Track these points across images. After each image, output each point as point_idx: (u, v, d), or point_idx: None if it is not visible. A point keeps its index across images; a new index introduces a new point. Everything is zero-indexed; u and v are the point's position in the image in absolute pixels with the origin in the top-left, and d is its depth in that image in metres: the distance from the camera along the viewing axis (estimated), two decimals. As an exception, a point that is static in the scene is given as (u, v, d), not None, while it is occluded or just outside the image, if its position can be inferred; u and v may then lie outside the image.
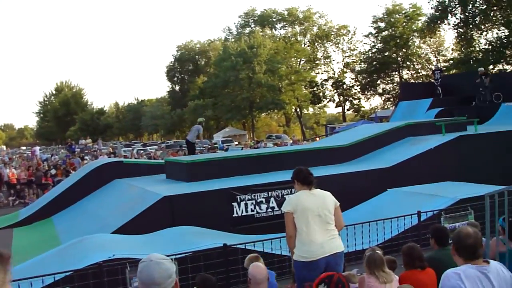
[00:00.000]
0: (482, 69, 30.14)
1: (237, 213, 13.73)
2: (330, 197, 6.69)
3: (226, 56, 69.03)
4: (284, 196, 14.19)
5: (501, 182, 12.60)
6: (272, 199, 14.18)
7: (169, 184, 15.99)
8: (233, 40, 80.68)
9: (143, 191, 14.75)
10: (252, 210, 13.89)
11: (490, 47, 48.49)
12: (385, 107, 72.09)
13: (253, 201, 13.90)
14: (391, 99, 72.13)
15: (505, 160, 18.35)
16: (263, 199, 14.05)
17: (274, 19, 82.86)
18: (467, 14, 48.87)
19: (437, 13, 50.31)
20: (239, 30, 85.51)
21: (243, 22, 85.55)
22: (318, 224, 6.41)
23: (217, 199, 13.56)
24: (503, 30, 48.18)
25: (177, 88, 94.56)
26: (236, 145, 50.62)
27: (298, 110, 79.69)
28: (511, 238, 7.78)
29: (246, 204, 13.85)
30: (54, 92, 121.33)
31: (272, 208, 14.10)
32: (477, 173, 16.82)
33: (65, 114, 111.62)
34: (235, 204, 13.71)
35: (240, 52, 67.83)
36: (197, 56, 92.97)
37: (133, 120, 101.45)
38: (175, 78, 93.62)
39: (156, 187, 14.88)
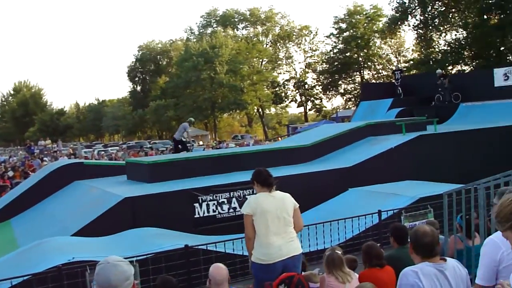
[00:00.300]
0: (440, 71, 30.68)
1: (198, 214, 13.70)
2: (289, 199, 6.65)
3: (188, 56, 68.76)
4: (246, 197, 14.20)
5: (460, 180, 12.79)
6: (234, 199, 14.19)
7: (130, 185, 15.86)
8: (195, 40, 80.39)
9: (104, 192, 14.60)
10: (214, 211, 13.87)
11: (449, 48, 49.24)
12: (347, 107, 72.66)
13: (215, 202, 13.89)
14: (353, 99, 72.74)
15: (463, 159, 18.67)
16: (225, 200, 14.05)
17: (236, 19, 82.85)
18: (426, 15, 49.55)
19: (398, 15, 50.90)
20: (201, 30, 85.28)
21: (205, 22, 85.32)
22: (277, 227, 6.38)
23: (178, 200, 13.51)
24: (461, 31, 49.02)
25: (138, 88, 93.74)
26: (198, 145, 50.49)
27: (260, 110, 79.82)
28: (468, 235, 7.93)
29: (208, 205, 13.83)
30: (12, 92, 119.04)
31: (234, 208, 14.10)
32: (436, 172, 17.07)
33: (23, 115, 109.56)
34: (196, 205, 13.68)
35: (202, 52, 67.63)
36: (158, 56, 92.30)
37: (94, 121, 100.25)
38: (137, 78, 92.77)
39: (117, 189, 14.75)
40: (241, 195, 14.24)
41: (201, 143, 54.49)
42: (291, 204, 6.58)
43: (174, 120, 76.54)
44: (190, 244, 10.22)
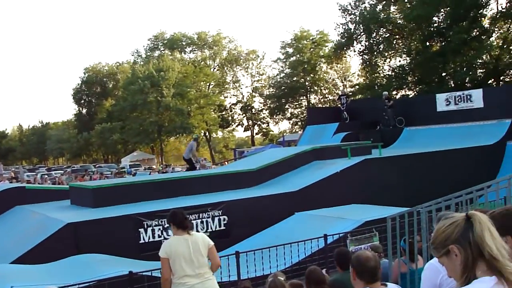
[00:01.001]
0: (386, 93, 31.21)
1: (143, 239, 13.51)
2: (203, 240, 7.08)
3: (134, 79, 68.37)
4: (192, 221, 14.09)
5: (405, 204, 12.98)
6: (189, 227, 14.02)
7: (74, 210, 15.53)
8: (142, 63, 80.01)
9: (46, 218, 14.23)
10: (159, 236, 13.69)
11: (393, 73, 50.25)
12: (293, 131, 73.18)
13: (160, 227, 13.73)
14: (299, 123, 73.27)
15: (407, 183, 18.96)
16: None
17: (183, 43, 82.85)
18: (371, 41, 50.49)
19: (343, 40, 51.74)
20: (148, 53, 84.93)
21: (152, 45, 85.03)
22: (191, 268, 6.83)
23: (123, 225, 13.29)
24: (405, 57, 50.11)
25: (84, 111, 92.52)
26: (144, 169, 50.04)
27: (207, 134, 79.73)
28: (412, 259, 8.03)
29: (153, 230, 13.65)
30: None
31: (189, 231, 13.93)
32: (382, 196, 17.25)
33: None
34: (141, 230, 13.49)
35: (148, 76, 67.35)
36: (105, 79, 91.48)
37: (38, 144, 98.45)
38: (82, 101, 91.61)
39: (60, 214, 14.41)
40: (187, 220, 14.11)
41: (145, 167, 53.88)
42: (205, 245, 7.03)
43: (119, 144, 75.80)
44: (134, 271, 10.05)
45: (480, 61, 43.29)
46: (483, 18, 44.66)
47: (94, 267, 10.80)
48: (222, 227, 14.91)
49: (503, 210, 3.17)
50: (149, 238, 13.55)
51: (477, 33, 42.67)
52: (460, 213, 2.45)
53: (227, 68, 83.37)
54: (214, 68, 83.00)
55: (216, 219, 14.83)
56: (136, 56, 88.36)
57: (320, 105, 71.38)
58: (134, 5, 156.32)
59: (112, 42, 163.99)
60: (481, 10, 43.79)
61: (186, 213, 13.25)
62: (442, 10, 43.59)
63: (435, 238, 2.45)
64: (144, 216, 13.63)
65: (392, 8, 50.86)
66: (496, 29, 45.59)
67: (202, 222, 14.53)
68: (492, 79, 43.77)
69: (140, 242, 13.42)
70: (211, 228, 14.70)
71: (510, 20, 44.29)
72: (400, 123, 28.42)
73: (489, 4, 44.80)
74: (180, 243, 6.87)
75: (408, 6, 45.76)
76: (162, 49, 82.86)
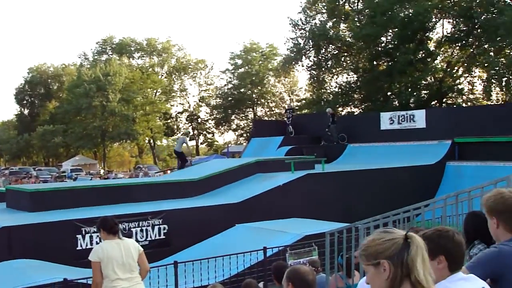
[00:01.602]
0: (330, 109, 31.60)
1: (81, 246, 13.25)
2: (134, 245, 7.21)
3: (80, 82, 67.23)
4: (131, 229, 13.95)
5: (345, 219, 13.11)
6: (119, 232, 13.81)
7: (9, 214, 15.16)
8: (88, 66, 78.79)
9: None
10: (97, 243, 13.44)
11: (340, 90, 50.90)
12: (238, 142, 73.23)
13: (99, 234, 13.48)
14: (244, 135, 73.38)
15: (348, 198, 19.21)
16: (110, 232, 13.66)
17: (132, 48, 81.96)
18: (320, 57, 50.94)
19: (292, 55, 52.05)
20: (96, 57, 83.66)
21: (100, 48, 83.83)
22: (123, 272, 6.92)
23: (60, 231, 13.02)
24: (352, 75, 50.84)
25: (26, 111, 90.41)
26: (86, 174, 49.27)
27: (151, 141, 79.06)
28: (349, 274, 8.12)
29: (91, 237, 13.41)
30: None
31: (119, 236, 13.73)
32: (323, 211, 17.43)
33: None
34: (79, 236, 13.24)
35: (95, 79, 66.38)
36: (49, 80, 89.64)
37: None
38: (25, 102, 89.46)
39: (-6, 217, 14.04)
40: (127, 227, 13.94)
41: (86, 172, 52.99)
42: (136, 250, 7.15)
43: (61, 147, 74.36)
44: (69, 278, 9.84)
45: (425, 82, 44.34)
46: (429, 41, 45.90)
47: (27, 273, 10.54)
48: (162, 236, 14.78)
49: (436, 231, 3.23)
50: (87, 245, 13.29)
51: (423, 55, 43.69)
52: (400, 231, 2.48)
53: (175, 76, 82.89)
54: (162, 76, 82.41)
55: (156, 227, 14.69)
56: (83, 58, 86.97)
57: (266, 118, 71.65)
58: (83, 6, 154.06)
59: (58, 43, 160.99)
60: (428, 33, 44.98)
61: (126, 221, 13.15)
62: (390, 30, 44.46)
63: (369, 247, 2.47)
64: (83, 222, 13.38)
65: (342, 26, 51.57)
66: (441, 52, 46.84)
67: (142, 230, 14.37)
68: (435, 101, 44.82)
69: (78, 248, 13.16)
70: (151, 237, 14.55)
71: (454, 45, 45.55)
72: (342, 139, 28.82)
73: (435, 28, 46.15)
74: (112, 247, 6.94)
75: (358, 24, 46.48)
76: (110, 53, 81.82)
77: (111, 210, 14.61)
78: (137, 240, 13.99)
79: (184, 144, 24.39)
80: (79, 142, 70.30)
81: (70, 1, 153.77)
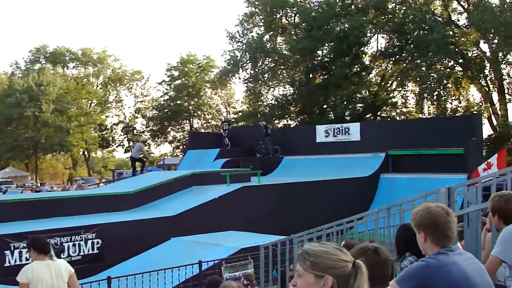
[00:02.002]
0: (264, 122, 31.86)
1: (9, 262, 12.82)
2: (65, 266, 7.04)
3: (11, 92, 65.39)
4: (63, 244, 13.60)
5: (281, 232, 13.12)
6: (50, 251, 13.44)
7: None
8: (20, 75, 76.78)
9: None
10: (27, 259, 13.04)
11: (276, 102, 51.26)
12: (175, 154, 72.70)
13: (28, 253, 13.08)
14: (181, 147, 72.89)
15: (284, 211, 19.28)
16: (40, 247, 13.27)
17: (67, 58, 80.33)
18: (257, 70, 51.24)
19: (229, 67, 52.14)
20: (28, 66, 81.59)
21: (33, 57, 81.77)
22: None
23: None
24: (289, 88, 51.28)
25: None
26: (17, 187, 47.95)
27: (86, 153, 77.65)
28: (283, 287, 8.12)
29: (20, 252, 12.99)
30: None
31: (50, 256, 13.35)
32: (259, 224, 17.44)
33: None
34: (8, 252, 12.80)
35: (27, 89, 64.71)
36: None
37: None
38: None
39: None
40: (58, 242, 13.58)
41: (15, 185, 51.57)
42: (66, 271, 6.97)
43: (-10, 158, 72.05)
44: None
45: (360, 95, 45.17)
46: (364, 55, 46.84)
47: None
48: (96, 251, 14.48)
49: (358, 250, 3.31)
50: (15, 261, 12.87)
51: (358, 69, 44.57)
52: (349, 255, 2.47)
53: (110, 87, 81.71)
54: (97, 86, 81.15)
55: (90, 242, 14.38)
56: (14, 67, 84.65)
57: (202, 130, 71.45)
58: (15, 14, 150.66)
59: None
60: (363, 48, 45.94)
61: (58, 235, 12.81)
62: (326, 44, 45.13)
63: (320, 257, 2.43)
64: (11, 237, 12.95)
65: (279, 39, 52.07)
66: (375, 66, 47.89)
67: (74, 245, 14.03)
68: (370, 114, 45.71)
69: (6, 265, 12.73)
70: (84, 252, 14.23)
71: (387, 59, 46.66)
72: (276, 152, 29.01)
73: (370, 43, 47.22)
74: (42, 269, 6.73)
75: (295, 38, 47.00)
76: (44, 62, 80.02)
77: (42, 224, 14.25)
78: (69, 255, 13.69)
79: (142, 150, 25.86)
80: (9, 154, 68.26)
81: (1, 7, 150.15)
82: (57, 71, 74.83)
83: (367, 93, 46.04)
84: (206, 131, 68.84)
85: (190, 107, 72.81)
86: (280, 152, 28.86)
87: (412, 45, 42.24)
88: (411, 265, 3.87)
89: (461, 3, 43.63)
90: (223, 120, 37.86)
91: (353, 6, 45.37)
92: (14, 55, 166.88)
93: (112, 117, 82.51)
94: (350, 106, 43.24)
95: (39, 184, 48.36)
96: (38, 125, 65.29)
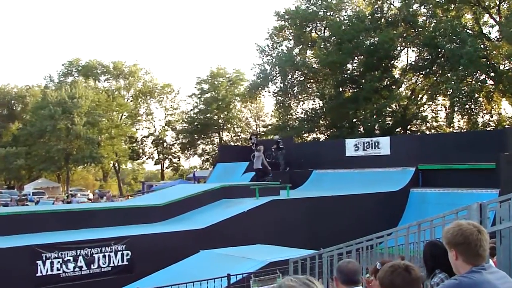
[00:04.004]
0: (277, 136, 32.02)
1: (41, 272, 12.96)
2: None
3: (45, 104, 66.33)
4: (94, 255, 13.72)
5: (310, 246, 13.06)
6: (80, 258, 13.58)
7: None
8: (53, 88, 77.87)
9: None
10: (58, 269, 13.19)
11: (305, 116, 51.26)
12: (204, 167, 72.97)
13: (60, 260, 13.22)
14: (210, 160, 73.19)
15: (313, 225, 19.19)
16: (71, 258, 13.42)
17: (98, 71, 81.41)
18: (286, 83, 51.35)
19: (259, 80, 52.31)
20: (61, 79, 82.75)
21: (66, 70, 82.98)
22: None
23: (19, 257, 12.72)
24: (318, 101, 51.28)
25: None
26: (48, 198, 48.45)
27: (116, 165, 78.32)
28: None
29: (52, 263, 13.13)
30: None
31: (80, 267, 13.50)
32: (288, 237, 17.36)
33: None
34: (39, 262, 12.95)
35: (60, 101, 65.59)
36: (13, 101, 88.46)
37: None
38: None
39: None
40: (88, 253, 13.69)
41: (47, 196, 52.04)
42: None
43: (24, 169, 73.04)
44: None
45: (389, 109, 44.91)
46: (394, 69, 46.65)
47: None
48: (125, 262, 14.55)
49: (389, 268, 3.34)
50: (47, 271, 13.01)
51: (388, 82, 44.40)
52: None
53: (141, 100, 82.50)
54: (128, 99, 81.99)
55: (119, 253, 14.46)
56: (48, 80, 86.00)
57: (232, 143, 71.61)
58: (48, 28, 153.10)
59: (22, 64, 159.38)
60: (393, 61, 45.75)
61: (88, 246, 12.93)
62: (356, 58, 45.07)
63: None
64: (43, 247, 13.10)
65: (308, 53, 52.15)
66: (405, 80, 47.63)
67: (104, 256, 14.12)
68: (400, 128, 45.42)
69: (37, 275, 12.87)
70: (114, 263, 14.31)
71: (417, 73, 46.39)
72: (287, 167, 29.18)
73: (400, 56, 47.00)
74: None
75: (324, 51, 47.00)
76: (76, 75, 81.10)
77: (73, 235, 14.39)
78: (99, 266, 13.81)
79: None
80: (42, 165, 69.19)
81: (35, 22, 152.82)
82: (89, 84, 75.70)
83: (397, 107, 45.79)
84: (236, 144, 68.97)
85: (220, 120, 73.10)
86: (289, 168, 29.08)
87: (442, 59, 41.96)
88: (443, 283, 3.83)
89: (493, 16, 43.25)
90: (251, 133, 37.97)
91: (383, 20, 45.31)
92: (48, 68, 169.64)
93: (142, 129, 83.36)
94: (379, 120, 43.04)
95: (70, 195, 48.74)
96: (70, 137, 66.05)
